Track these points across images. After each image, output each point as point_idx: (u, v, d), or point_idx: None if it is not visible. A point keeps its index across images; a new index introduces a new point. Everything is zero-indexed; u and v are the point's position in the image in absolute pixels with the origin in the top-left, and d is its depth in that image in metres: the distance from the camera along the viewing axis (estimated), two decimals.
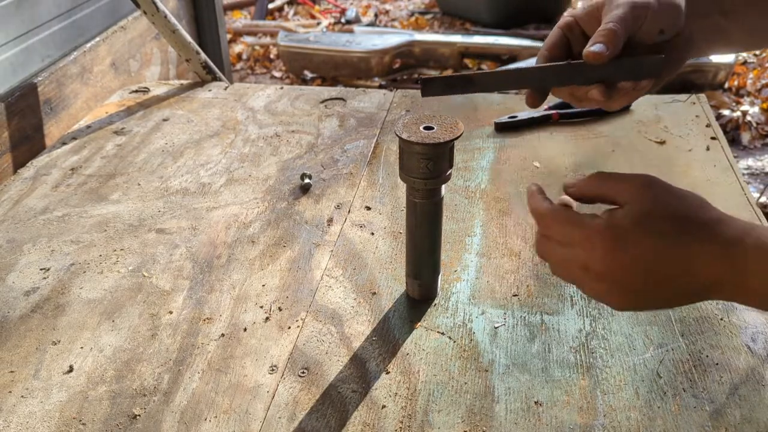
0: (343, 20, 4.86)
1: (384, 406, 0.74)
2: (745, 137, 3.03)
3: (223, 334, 0.85)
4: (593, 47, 0.62)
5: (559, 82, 0.65)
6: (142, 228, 1.06)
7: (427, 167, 0.77)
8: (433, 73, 3.74)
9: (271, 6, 5.13)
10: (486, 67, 3.76)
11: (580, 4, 5.07)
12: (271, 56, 4.28)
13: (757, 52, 3.76)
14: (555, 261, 0.60)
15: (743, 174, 2.73)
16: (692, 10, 0.68)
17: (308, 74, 3.81)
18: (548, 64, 0.67)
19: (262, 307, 0.90)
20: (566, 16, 0.69)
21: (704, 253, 0.53)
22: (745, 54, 3.70)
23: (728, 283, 0.53)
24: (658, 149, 1.22)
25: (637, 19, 0.64)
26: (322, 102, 1.47)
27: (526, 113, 1.32)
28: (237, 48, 4.37)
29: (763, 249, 0.52)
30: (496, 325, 0.85)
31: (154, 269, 0.97)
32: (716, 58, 3.19)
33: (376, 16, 4.98)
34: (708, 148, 1.22)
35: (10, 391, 0.78)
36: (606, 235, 0.54)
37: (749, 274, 0.52)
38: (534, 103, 0.68)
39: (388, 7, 5.29)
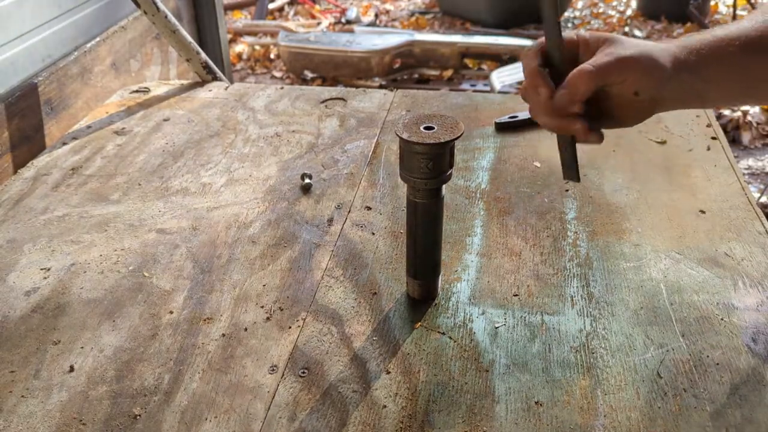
0: (343, 20, 4.86)
1: (384, 406, 0.74)
2: (746, 137, 3.03)
3: (223, 334, 0.85)
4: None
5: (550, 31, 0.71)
6: (142, 228, 1.06)
7: (428, 167, 0.77)
8: (433, 73, 3.74)
9: (271, 6, 5.13)
10: (486, 67, 3.76)
11: (580, 5, 5.07)
12: (272, 56, 4.29)
13: None
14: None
15: (743, 174, 2.73)
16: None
17: (308, 74, 3.81)
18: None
19: (262, 307, 0.90)
20: (574, 32, 0.74)
21: None
22: None
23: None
24: (659, 149, 1.22)
25: (619, 74, 0.68)
26: (323, 102, 1.47)
27: (526, 113, 1.32)
28: (237, 48, 4.37)
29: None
30: (497, 325, 0.85)
31: (154, 269, 0.97)
32: None
33: (376, 16, 4.98)
34: (708, 148, 1.22)
35: (11, 391, 0.78)
36: None
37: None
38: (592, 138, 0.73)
39: (388, 7, 5.30)
